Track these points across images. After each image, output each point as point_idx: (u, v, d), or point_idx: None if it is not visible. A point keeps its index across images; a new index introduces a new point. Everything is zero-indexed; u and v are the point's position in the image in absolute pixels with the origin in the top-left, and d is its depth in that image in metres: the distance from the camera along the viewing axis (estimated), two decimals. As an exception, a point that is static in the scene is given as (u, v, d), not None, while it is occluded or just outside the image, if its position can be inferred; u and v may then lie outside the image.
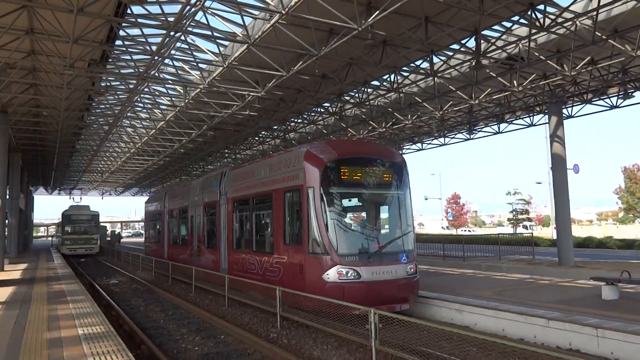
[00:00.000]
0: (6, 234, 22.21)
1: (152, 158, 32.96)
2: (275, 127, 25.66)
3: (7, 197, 22.82)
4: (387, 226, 11.19)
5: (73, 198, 49.28)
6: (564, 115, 20.44)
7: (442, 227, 75.23)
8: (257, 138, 28.55)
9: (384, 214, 11.32)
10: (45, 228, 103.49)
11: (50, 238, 68.74)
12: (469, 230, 70.75)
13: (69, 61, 13.85)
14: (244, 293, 12.44)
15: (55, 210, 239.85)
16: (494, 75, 16.57)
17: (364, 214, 11.27)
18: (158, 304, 13.81)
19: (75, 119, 22.77)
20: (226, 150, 32.37)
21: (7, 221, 22.20)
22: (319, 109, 21.94)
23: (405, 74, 17.25)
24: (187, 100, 18.83)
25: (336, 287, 9.84)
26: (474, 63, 14.88)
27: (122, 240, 61.44)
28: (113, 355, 6.12)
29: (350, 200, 10.99)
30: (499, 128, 25.30)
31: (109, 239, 52.00)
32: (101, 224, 42.93)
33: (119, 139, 29.19)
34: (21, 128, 24.14)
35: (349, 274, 10.01)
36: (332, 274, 10.03)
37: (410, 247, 10.78)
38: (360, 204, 11.25)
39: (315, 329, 9.83)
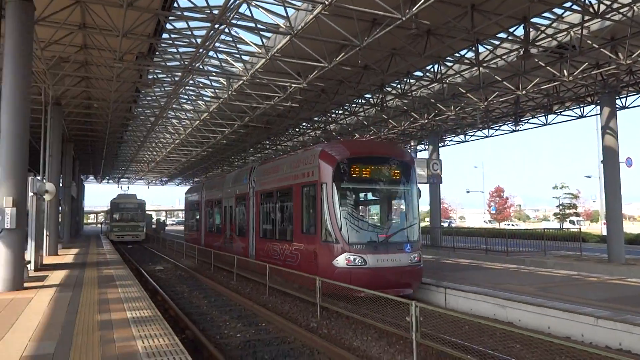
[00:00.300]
0: (59, 220, 23.25)
1: (195, 149, 33.68)
2: (316, 118, 25.70)
3: (61, 185, 23.87)
4: (392, 218, 12.41)
5: (121, 187, 51.77)
6: (617, 106, 19.59)
7: (484, 221, 73.60)
8: (297, 129, 28.71)
9: (391, 207, 12.55)
10: (95, 215, 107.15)
11: (99, 225, 71.81)
12: (512, 225, 68.84)
13: (118, 54, 14.30)
14: (271, 278, 13.50)
15: (104, 199, 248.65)
16: (543, 64, 16.01)
17: (371, 207, 12.74)
18: (201, 291, 14.19)
19: (124, 110, 23.42)
20: (267, 142, 32.74)
21: (60, 208, 23.28)
22: (360, 100, 21.85)
23: (449, 64, 16.86)
24: (230, 92, 19.06)
25: (344, 272, 11.06)
26: (521, 52, 14.41)
27: (166, 228, 63.16)
28: (160, 338, 6.33)
29: (359, 195, 12.20)
30: (546, 120, 24.47)
31: (154, 226, 53.36)
32: (147, 212, 44.28)
33: (164, 130, 30.06)
34: (73, 119, 25.10)
35: (356, 261, 11.19)
36: (341, 260, 11.26)
37: (415, 238, 11.83)
38: (369, 198, 12.66)
39: (355, 320, 9.88)
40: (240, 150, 35.53)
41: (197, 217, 26.07)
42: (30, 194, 13.02)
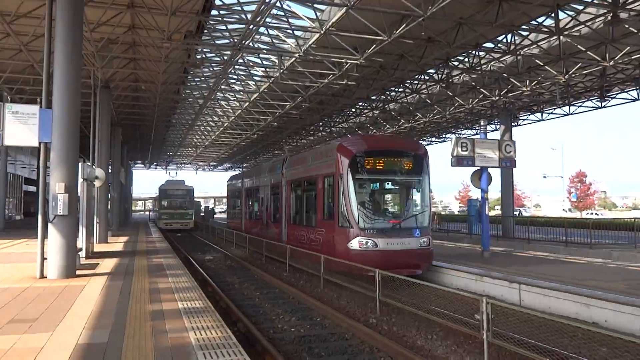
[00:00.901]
0: (109, 207, 24.24)
1: (245, 132, 34.34)
2: (373, 97, 25.67)
3: (110, 171, 24.77)
4: (403, 206, 14.64)
5: (169, 172, 52.61)
6: None
7: (563, 210, 70.70)
8: (353, 110, 28.81)
9: (402, 196, 14.76)
10: (143, 202, 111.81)
11: (147, 212, 75.33)
12: (596, 214, 65.91)
13: (166, 34, 14.72)
14: (297, 260, 15.87)
15: (152, 185, 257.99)
16: (635, 30, 15.05)
17: (384, 196, 15.06)
18: (252, 282, 14.58)
19: (172, 92, 24.13)
20: (320, 123, 32.87)
21: (109, 195, 24.23)
22: (422, 76, 21.66)
23: (525, 33, 16.26)
24: (281, 70, 19.15)
25: (358, 253, 13.21)
26: (609, 17, 13.59)
27: (215, 216, 64.96)
28: (212, 330, 6.54)
29: (373, 185, 14.55)
30: (638, 94, 23.15)
31: (202, 214, 54.42)
32: (195, 199, 45.73)
33: (213, 112, 30.90)
34: (121, 103, 26.13)
35: (368, 244, 13.38)
36: (354, 243, 13.43)
37: (424, 224, 14.03)
38: (382, 188, 15.00)
39: (419, 317, 9.83)
40: (292, 133, 35.91)
41: (238, 204, 28.97)
42: (81, 179, 13.68)
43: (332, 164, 14.52)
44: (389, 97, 24.95)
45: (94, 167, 16.49)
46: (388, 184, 15.14)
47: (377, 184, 14.87)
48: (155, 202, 48.63)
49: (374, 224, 13.63)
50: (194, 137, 40.11)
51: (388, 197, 15.34)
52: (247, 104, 25.48)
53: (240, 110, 27.40)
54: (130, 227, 33.78)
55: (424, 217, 14.14)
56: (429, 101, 25.31)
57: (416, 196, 14.58)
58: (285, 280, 14.63)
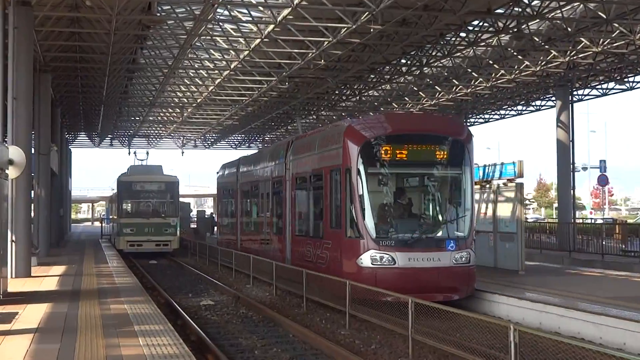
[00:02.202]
0: (32, 214, 20.01)
1: (250, 92, 32.51)
2: (403, 61, 26.49)
3: (33, 151, 20.33)
4: (433, 210, 14.72)
5: (134, 153, 38.93)
6: None
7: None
8: (373, 76, 29.27)
9: (431, 196, 14.73)
10: (90, 205, 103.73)
11: (99, 223, 58.06)
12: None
13: None
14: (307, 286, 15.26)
15: (106, 175, 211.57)
16: None
17: (406, 197, 14.64)
18: (286, 347, 11.57)
19: (138, 10, 19.53)
20: (345, 90, 32.97)
21: (32, 192, 20.38)
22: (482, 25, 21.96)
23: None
24: (278, 21, 19.35)
25: (370, 272, 13.20)
26: None
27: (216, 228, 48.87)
28: None
29: (391, 182, 14.30)
30: None
31: (193, 225, 47.13)
32: (182, 198, 39.58)
33: (205, 55, 27.31)
34: (52, 32, 21.57)
35: (383, 259, 13.26)
36: (365, 259, 13.34)
37: (463, 233, 13.90)
38: (403, 185, 14.98)
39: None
40: (308, 102, 35.59)
41: (232, 208, 27.33)
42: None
43: (338, 153, 14.57)
44: (422, 59, 25.48)
45: (5, 144, 13.81)
46: (413, 180, 15.28)
47: (398, 180, 14.82)
48: (112, 204, 40.16)
49: (391, 233, 13.76)
50: (177, 90, 34.28)
51: (412, 197, 15.01)
52: (245, 53, 24.23)
53: (236, 63, 25.99)
54: (69, 249, 29.93)
55: (462, 224, 14.13)
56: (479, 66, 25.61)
57: (453, 195, 14.43)
58: (347, 344, 11.64)
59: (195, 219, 50.72)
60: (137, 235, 30.34)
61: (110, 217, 42.14)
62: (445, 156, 14.05)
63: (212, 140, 53.70)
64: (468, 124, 38.37)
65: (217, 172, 30.43)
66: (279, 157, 19.64)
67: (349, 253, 13.85)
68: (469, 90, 30.79)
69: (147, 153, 38.46)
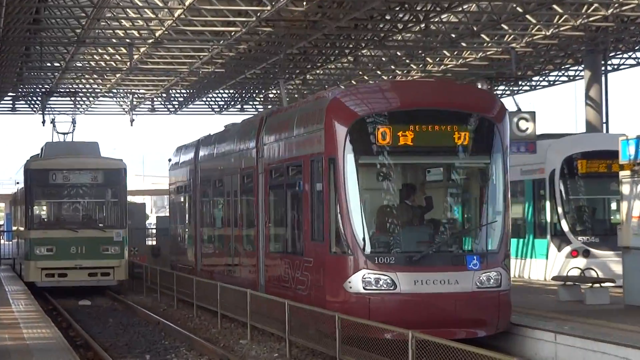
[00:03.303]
0: None
1: (230, 29, 28.43)
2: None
3: None
4: (449, 214, 14.09)
5: (53, 121, 32.30)
6: None
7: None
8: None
9: (448, 196, 14.05)
10: None
11: None
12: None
13: None
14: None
15: (5, 161, 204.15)
16: None
17: (413, 197, 13.91)
18: None
19: None
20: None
21: None
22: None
23: None
24: None
25: (361, 301, 12.58)
26: None
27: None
28: None
29: (391, 176, 13.48)
30: None
31: (152, 241, 41.30)
32: (132, 197, 36.80)
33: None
34: None
35: (380, 283, 12.55)
36: (355, 282, 12.63)
37: (492, 246, 13.20)
38: (408, 181, 14.11)
39: None
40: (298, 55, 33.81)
41: (188, 214, 26.11)
42: None
43: (320, 137, 13.78)
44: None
45: None
46: (422, 173, 14.57)
47: (401, 173, 14.11)
48: (17, 208, 35.83)
49: (390, 246, 13.25)
50: (121, 15, 29.12)
51: (421, 197, 14.26)
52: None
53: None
54: None
55: (491, 233, 13.41)
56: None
57: (478, 194, 13.77)
58: None
59: (155, 230, 43.49)
60: (58, 258, 26.04)
61: (14, 228, 36.58)
62: (467, 140, 13.22)
63: (180, 100, 47.65)
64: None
65: (169, 160, 28.61)
66: (250, 139, 18.84)
67: (333, 274, 13.18)
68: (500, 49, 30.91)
69: (74, 122, 31.21)
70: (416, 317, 12.06)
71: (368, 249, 12.70)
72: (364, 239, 12.69)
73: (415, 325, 10.58)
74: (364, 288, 12.51)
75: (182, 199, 26.99)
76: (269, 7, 24.10)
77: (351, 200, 12.81)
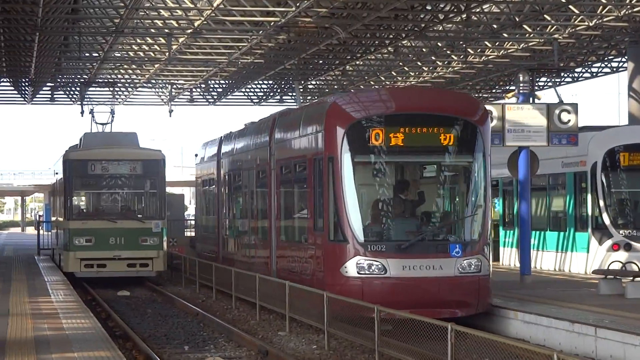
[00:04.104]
0: None
1: (269, 19, 27.84)
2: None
3: None
4: (435, 207, 15.79)
5: (92, 112, 31.80)
6: None
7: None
8: None
9: (434, 191, 15.85)
10: (18, 200, 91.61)
11: (35, 229, 49.17)
12: None
13: None
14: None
15: (44, 152, 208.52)
16: None
17: (402, 191, 15.83)
18: None
19: None
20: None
21: None
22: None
23: None
24: None
25: (355, 284, 14.40)
26: None
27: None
28: None
29: (384, 173, 15.36)
30: None
31: (191, 232, 40.98)
32: (171, 188, 35.83)
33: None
34: None
35: (372, 268, 14.39)
36: (350, 267, 14.47)
37: (473, 236, 15.08)
38: (399, 177, 16.01)
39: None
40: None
41: (212, 205, 27.99)
42: None
43: (319, 137, 15.78)
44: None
45: None
46: (411, 171, 16.40)
47: (392, 171, 15.91)
48: (56, 199, 35.28)
49: (381, 236, 15.13)
50: (159, 5, 28.23)
51: (410, 192, 16.18)
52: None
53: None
54: None
55: (473, 224, 15.31)
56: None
57: (461, 190, 15.86)
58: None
59: (194, 221, 41.78)
60: (97, 249, 26.04)
61: (53, 219, 36.34)
62: (452, 141, 15.05)
63: (219, 90, 46.76)
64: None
65: (195, 155, 29.81)
66: (263, 138, 20.73)
67: (332, 260, 15.08)
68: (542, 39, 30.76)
69: (112, 112, 30.97)
70: (404, 299, 13.73)
71: (362, 238, 14.57)
72: (358, 229, 14.62)
73: (403, 306, 12.43)
74: (358, 272, 14.36)
75: (207, 192, 28.40)
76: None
77: (347, 195, 14.70)
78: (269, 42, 32.92)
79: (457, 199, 15.80)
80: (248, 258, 22.30)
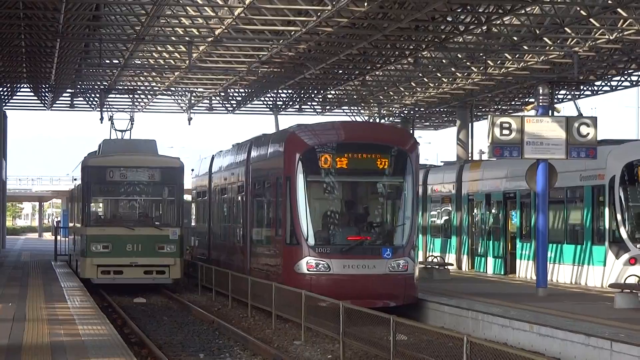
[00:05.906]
0: None
1: (289, 28, 28.04)
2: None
3: None
4: (370, 218, 19.69)
5: (111, 119, 32.03)
6: None
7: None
8: None
9: (370, 205, 19.92)
10: (36, 206, 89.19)
11: (52, 235, 50.15)
12: None
13: None
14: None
15: (62, 158, 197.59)
16: None
17: (345, 205, 19.76)
18: None
19: None
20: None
21: None
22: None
23: None
24: None
25: (307, 279, 17.93)
26: None
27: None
28: None
29: (330, 190, 19.21)
30: None
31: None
32: (189, 195, 35.82)
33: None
34: None
35: (319, 266, 18.03)
36: (302, 266, 18.15)
37: (402, 241, 18.70)
38: (343, 193, 19.73)
39: None
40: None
41: (205, 213, 32.01)
42: None
43: (281, 160, 19.54)
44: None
45: None
46: (353, 189, 19.89)
47: (337, 189, 19.32)
48: (73, 205, 35.30)
49: (327, 240, 18.68)
50: (180, 13, 28.58)
51: (352, 206, 19.93)
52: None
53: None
54: (2, 278, 27.38)
55: (400, 232, 18.80)
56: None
57: (393, 203, 19.42)
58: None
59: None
60: (114, 255, 25.85)
61: (70, 225, 36.20)
62: (386, 165, 18.80)
63: (239, 99, 47.11)
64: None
65: (192, 170, 34.62)
66: (243, 157, 24.73)
67: (288, 260, 18.71)
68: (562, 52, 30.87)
69: (132, 120, 31.22)
70: (345, 292, 16.62)
71: (312, 242, 18.24)
72: (308, 235, 18.37)
73: (344, 297, 15.01)
74: (307, 270, 17.98)
75: (201, 204, 32.91)
76: (329, 7, 23.89)
77: (300, 207, 18.45)
78: (289, 52, 32.75)
79: (390, 212, 19.34)
80: (231, 260, 26.09)
